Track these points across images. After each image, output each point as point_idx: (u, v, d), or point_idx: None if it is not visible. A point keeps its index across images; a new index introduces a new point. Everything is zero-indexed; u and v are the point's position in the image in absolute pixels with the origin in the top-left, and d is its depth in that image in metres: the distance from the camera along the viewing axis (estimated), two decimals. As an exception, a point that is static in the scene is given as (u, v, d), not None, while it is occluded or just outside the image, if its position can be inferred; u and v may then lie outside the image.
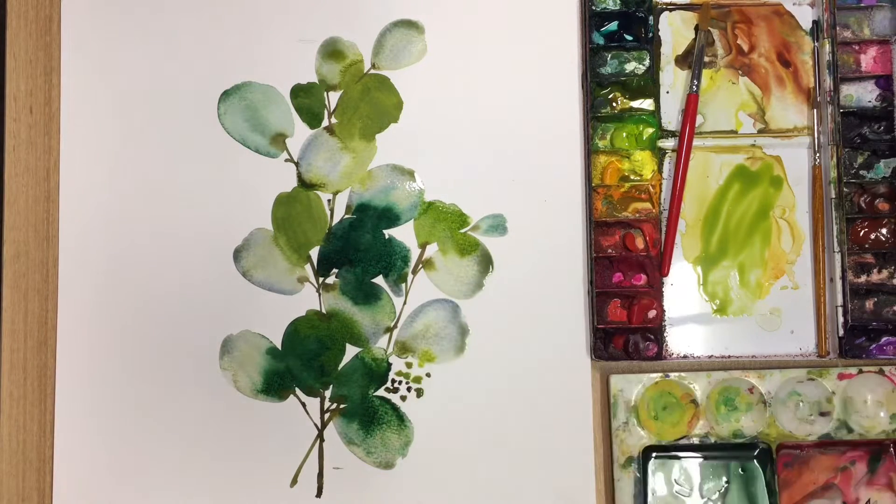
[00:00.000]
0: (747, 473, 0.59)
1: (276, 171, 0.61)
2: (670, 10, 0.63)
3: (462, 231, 0.61)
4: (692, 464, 0.60)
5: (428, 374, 0.60)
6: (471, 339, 0.61)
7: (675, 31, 0.63)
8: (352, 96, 0.62)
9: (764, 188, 0.62)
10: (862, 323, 0.60)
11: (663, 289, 0.61)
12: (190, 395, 0.60)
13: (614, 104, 0.62)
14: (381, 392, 0.60)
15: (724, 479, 0.60)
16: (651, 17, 0.62)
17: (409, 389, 0.60)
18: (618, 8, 0.62)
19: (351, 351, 0.61)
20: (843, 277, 0.59)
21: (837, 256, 0.60)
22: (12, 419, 0.60)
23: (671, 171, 0.62)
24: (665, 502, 0.59)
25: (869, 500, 0.59)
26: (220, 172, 0.61)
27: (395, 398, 0.60)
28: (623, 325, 0.60)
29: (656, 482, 0.59)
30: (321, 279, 0.61)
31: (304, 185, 0.61)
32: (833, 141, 0.61)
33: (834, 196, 0.60)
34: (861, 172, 0.61)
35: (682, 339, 0.61)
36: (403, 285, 0.61)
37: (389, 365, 0.60)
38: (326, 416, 0.60)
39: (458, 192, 0.61)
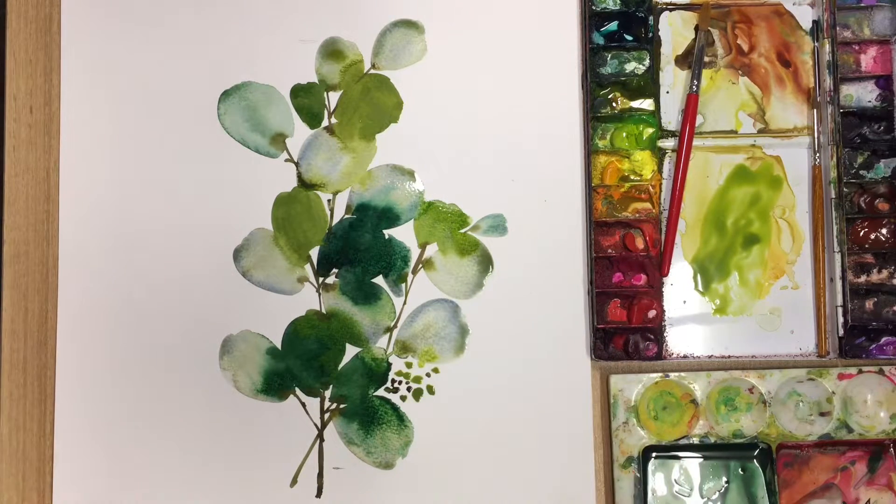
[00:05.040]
0: (747, 473, 0.59)
1: (276, 171, 0.61)
2: (670, 10, 0.63)
3: (462, 231, 0.61)
4: (692, 464, 0.60)
5: (428, 374, 0.60)
6: (471, 339, 0.61)
7: (675, 31, 0.63)
8: (352, 96, 0.62)
9: (764, 188, 0.62)
10: (862, 323, 0.60)
11: (663, 289, 0.61)
12: (190, 395, 0.60)
13: (614, 104, 0.62)
14: (381, 392, 0.60)
15: (724, 479, 0.59)
16: (651, 17, 0.62)
17: (408, 389, 0.60)
18: (618, 8, 0.62)
19: (351, 351, 0.61)
20: (843, 277, 0.59)
21: (837, 256, 0.60)
22: (12, 419, 0.60)
23: (671, 171, 0.62)
24: (665, 502, 0.59)
25: (869, 500, 0.59)
26: (220, 172, 0.61)
27: (395, 398, 0.60)
28: (623, 325, 0.60)
29: (656, 482, 0.59)
30: (321, 279, 0.61)
31: (304, 185, 0.61)
32: (833, 141, 0.61)
33: (834, 196, 0.60)
34: (861, 172, 0.61)
35: (682, 339, 0.61)
36: (403, 285, 0.61)
37: (389, 365, 0.60)
38: (326, 416, 0.60)
39: (458, 192, 0.61)
